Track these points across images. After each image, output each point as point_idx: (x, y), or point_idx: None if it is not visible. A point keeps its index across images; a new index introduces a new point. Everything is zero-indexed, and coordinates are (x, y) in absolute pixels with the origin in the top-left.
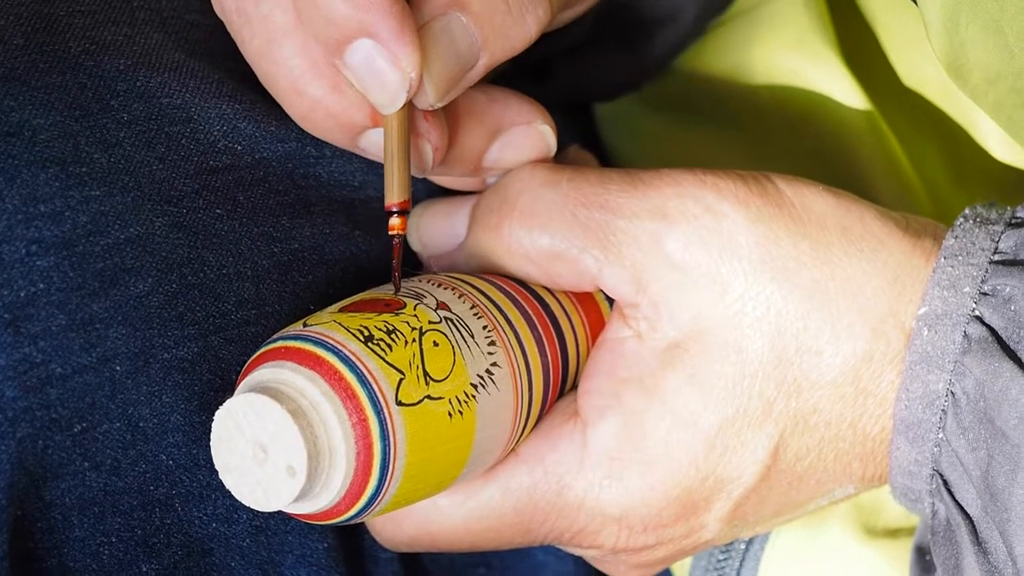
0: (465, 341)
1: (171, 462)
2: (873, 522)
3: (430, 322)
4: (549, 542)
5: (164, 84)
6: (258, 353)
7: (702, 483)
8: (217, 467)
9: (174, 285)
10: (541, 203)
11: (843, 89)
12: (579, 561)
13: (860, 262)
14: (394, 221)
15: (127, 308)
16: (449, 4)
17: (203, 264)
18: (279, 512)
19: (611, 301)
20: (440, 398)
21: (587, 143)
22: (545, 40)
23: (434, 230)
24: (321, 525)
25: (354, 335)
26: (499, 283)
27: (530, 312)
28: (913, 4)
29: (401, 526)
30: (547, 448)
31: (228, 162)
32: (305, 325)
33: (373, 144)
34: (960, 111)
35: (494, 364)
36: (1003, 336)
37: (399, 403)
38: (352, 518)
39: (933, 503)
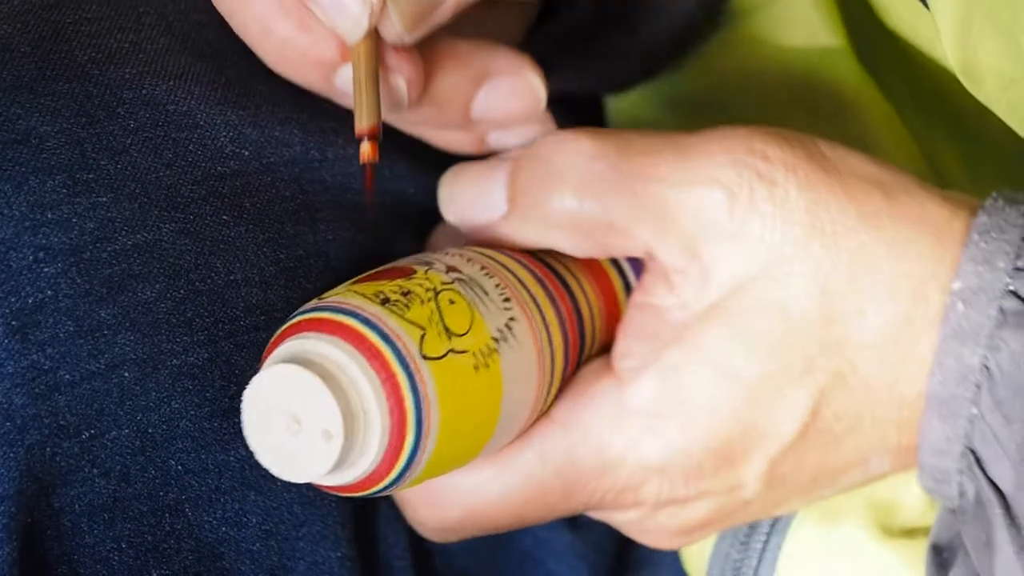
0: (480, 298)
1: (180, 467)
2: (889, 522)
3: (443, 282)
4: (591, 507)
5: (170, 91)
6: (277, 333)
7: (742, 435)
8: (252, 449)
9: (182, 291)
10: (593, 175)
11: (858, 85)
12: (594, 570)
13: (904, 226)
14: (364, 147)
15: (135, 314)
16: None
17: (210, 270)
18: (293, 515)
19: (618, 268)
20: (464, 351)
21: None
22: (541, 33)
23: (469, 199)
24: (335, 535)
25: (370, 299)
26: (503, 250)
27: (537, 271)
28: (926, 9)
29: (445, 511)
30: (583, 408)
31: (235, 167)
32: (320, 299)
33: (347, 82)
34: (973, 110)
35: (511, 319)
36: None
37: (424, 357)
38: (393, 482)
39: (961, 483)
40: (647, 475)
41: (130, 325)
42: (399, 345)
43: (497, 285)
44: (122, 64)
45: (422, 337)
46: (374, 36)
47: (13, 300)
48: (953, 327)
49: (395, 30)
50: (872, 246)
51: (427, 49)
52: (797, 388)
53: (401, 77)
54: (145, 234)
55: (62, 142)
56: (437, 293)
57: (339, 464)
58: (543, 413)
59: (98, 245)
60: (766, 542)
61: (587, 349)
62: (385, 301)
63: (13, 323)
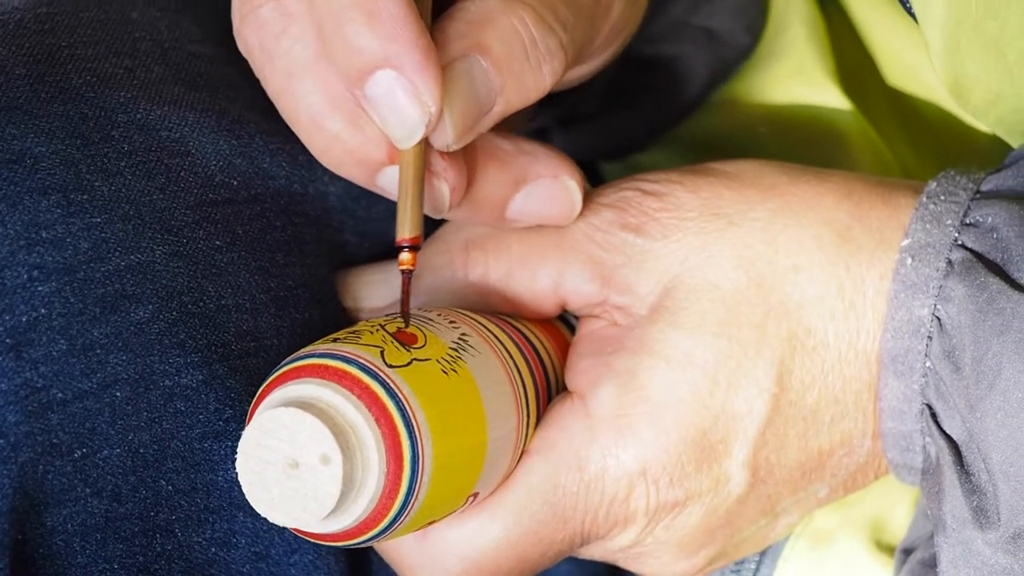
0: (424, 323)
1: (170, 487)
2: (880, 537)
3: (385, 318)
4: (588, 535)
5: (164, 117)
6: (252, 404)
7: (714, 422)
8: (263, 512)
9: (174, 313)
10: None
11: (844, 115)
12: None
13: (810, 185)
14: (404, 256)
15: (127, 334)
16: (471, 47)
17: (203, 293)
18: (284, 540)
19: (568, 325)
20: (427, 359)
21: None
22: (547, 108)
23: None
24: (328, 566)
25: (322, 343)
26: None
27: (492, 318)
28: (914, 28)
29: (444, 565)
30: (555, 433)
31: (226, 196)
32: (279, 365)
33: (391, 182)
34: (957, 134)
35: (463, 334)
36: (988, 257)
37: (389, 366)
38: (412, 489)
39: (925, 445)
40: (632, 482)
41: (122, 345)
42: (362, 361)
43: (439, 314)
44: (116, 88)
45: (381, 352)
46: (424, 141)
47: (7, 318)
48: (903, 281)
49: (446, 139)
50: (784, 209)
51: (468, 149)
52: (756, 360)
53: (445, 184)
54: (139, 255)
55: (57, 163)
56: (383, 326)
57: (346, 491)
58: (524, 452)
59: (92, 265)
60: (759, 564)
61: (553, 391)
62: (336, 340)
63: (7, 341)
